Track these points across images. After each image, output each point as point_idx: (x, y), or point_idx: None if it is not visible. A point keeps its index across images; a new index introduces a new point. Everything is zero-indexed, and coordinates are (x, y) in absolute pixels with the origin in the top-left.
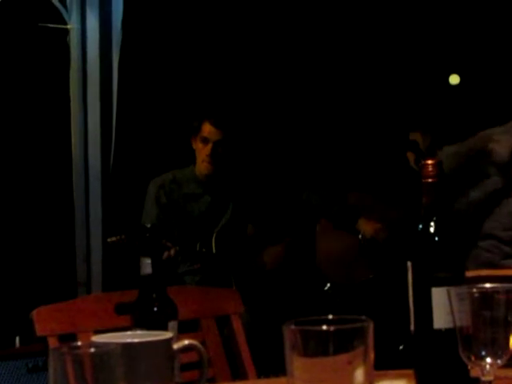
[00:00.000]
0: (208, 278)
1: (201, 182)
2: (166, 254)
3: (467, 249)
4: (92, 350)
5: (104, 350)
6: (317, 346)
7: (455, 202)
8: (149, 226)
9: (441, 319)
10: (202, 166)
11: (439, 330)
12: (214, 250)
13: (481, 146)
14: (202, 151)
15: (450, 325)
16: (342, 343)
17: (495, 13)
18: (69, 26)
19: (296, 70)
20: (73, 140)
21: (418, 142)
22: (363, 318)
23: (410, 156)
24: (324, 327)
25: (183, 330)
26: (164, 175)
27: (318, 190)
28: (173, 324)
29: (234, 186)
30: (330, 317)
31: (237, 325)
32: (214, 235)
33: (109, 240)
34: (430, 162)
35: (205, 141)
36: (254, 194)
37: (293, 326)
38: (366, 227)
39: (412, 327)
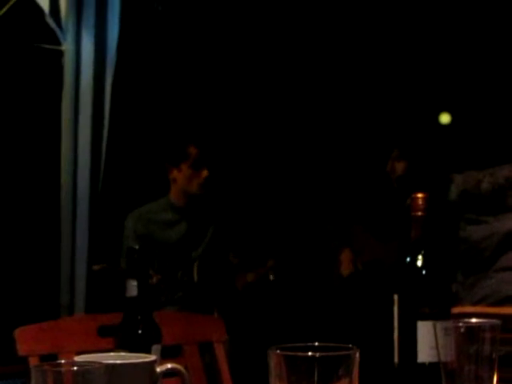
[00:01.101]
0: (188, 308)
1: (177, 209)
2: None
3: (478, 280)
4: (74, 368)
5: (87, 369)
6: (302, 372)
7: (466, 231)
8: (137, 247)
9: (425, 353)
10: (197, 189)
11: (423, 364)
12: (195, 279)
13: None
14: (195, 178)
15: (434, 359)
16: (327, 370)
17: (486, 53)
18: (63, 48)
19: (280, 98)
20: (62, 161)
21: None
22: (349, 345)
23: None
24: (309, 353)
25: (166, 355)
26: (140, 208)
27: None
28: (156, 347)
29: (214, 211)
30: (316, 344)
31: (220, 352)
32: (196, 263)
33: (93, 268)
34: (419, 195)
35: (196, 166)
36: (235, 218)
37: (278, 351)
38: (341, 260)
39: (396, 360)
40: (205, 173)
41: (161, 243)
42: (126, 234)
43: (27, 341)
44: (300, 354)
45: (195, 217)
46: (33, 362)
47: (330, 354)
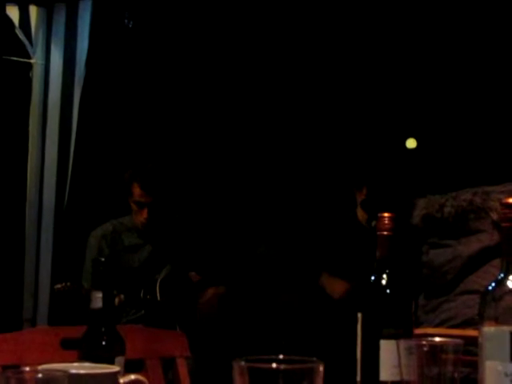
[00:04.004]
0: (150, 326)
1: (141, 231)
2: None
3: (440, 303)
4: (38, 375)
5: (50, 377)
6: None
7: (429, 255)
8: (103, 259)
9: (387, 372)
10: (138, 223)
11: (385, 383)
12: (158, 298)
13: (480, 202)
14: (138, 215)
15: (396, 378)
16: (291, 383)
17: (452, 83)
18: (32, 61)
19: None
20: (29, 174)
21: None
22: (314, 359)
23: (360, 213)
24: (274, 365)
25: (129, 369)
26: (103, 226)
27: (274, 244)
28: (120, 359)
29: (173, 235)
30: (281, 356)
31: (182, 368)
32: (158, 282)
33: (55, 287)
34: (386, 214)
35: (139, 205)
36: (195, 242)
37: (243, 363)
38: (334, 286)
39: (358, 378)
40: (144, 213)
41: (125, 265)
42: (88, 252)
43: None
44: (264, 365)
45: (159, 240)
46: None
47: (295, 366)
